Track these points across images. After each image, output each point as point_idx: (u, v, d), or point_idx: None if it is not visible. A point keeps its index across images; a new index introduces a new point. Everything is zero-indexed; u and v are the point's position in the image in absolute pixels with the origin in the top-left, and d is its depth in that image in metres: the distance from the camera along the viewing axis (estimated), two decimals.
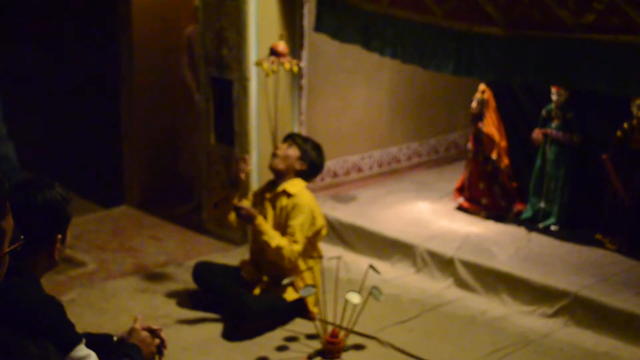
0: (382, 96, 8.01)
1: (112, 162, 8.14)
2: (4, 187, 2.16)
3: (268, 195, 5.68)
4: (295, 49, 6.73)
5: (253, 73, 6.59)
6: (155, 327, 3.05)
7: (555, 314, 5.66)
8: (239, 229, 6.35)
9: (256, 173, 6.76)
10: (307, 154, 5.64)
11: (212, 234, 7.10)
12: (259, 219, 5.45)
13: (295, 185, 5.61)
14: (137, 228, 7.39)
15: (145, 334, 2.99)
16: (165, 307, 5.85)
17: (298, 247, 5.41)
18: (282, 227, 5.53)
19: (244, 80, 6.61)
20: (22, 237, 2.27)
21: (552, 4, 5.20)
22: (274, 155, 5.67)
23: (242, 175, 5.58)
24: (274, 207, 5.62)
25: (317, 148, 5.73)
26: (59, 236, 2.75)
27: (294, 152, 5.63)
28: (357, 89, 7.75)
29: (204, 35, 6.85)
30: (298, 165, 5.63)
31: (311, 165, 5.67)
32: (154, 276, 6.37)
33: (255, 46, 6.55)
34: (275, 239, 5.40)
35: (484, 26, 5.58)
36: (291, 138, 5.76)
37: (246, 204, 5.58)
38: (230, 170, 5.71)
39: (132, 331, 2.99)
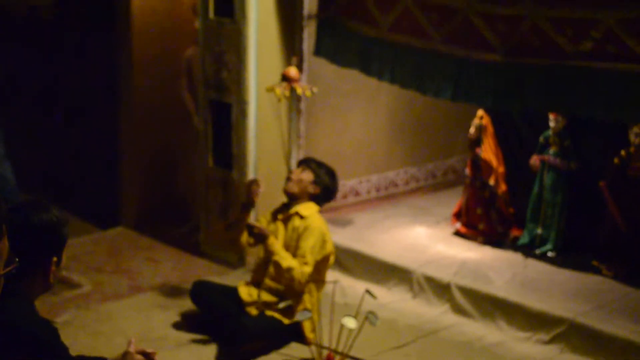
0: (381, 120, 8.03)
1: (108, 183, 8.13)
2: (1, 210, 2.16)
3: (280, 217, 5.71)
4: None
5: (252, 96, 6.60)
6: (149, 350, 3.04)
7: (551, 341, 5.64)
8: (243, 250, 6.38)
9: None
10: (321, 178, 5.69)
11: (208, 256, 7.09)
12: (271, 239, 5.48)
13: (308, 209, 5.64)
14: (133, 250, 7.38)
15: (139, 357, 2.97)
16: (160, 329, 5.83)
17: (308, 269, 5.42)
18: (292, 248, 5.54)
19: (243, 103, 6.62)
20: (17, 259, 2.27)
21: (551, 31, 5.23)
22: (288, 178, 5.72)
23: (256, 198, 5.63)
24: (285, 228, 5.64)
25: (331, 173, 5.78)
26: (55, 258, 2.75)
27: (307, 176, 5.68)
28: (355, 113, 7.76)
29: (203, 58, 6.87)
30: (312, 189, 5.67)
31: (324, 189, 5.71)
32: (150, 298, 6.35)
33: (254, 70, 6.57)
34: (286, 259, 5.41)
35: (482, 52, 5.61)
36: (305, 163, 5.83)
37: (259, 223, 5.61)
38: (245, 193, 5.76)
39: (126, 354, 2.97)
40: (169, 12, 7.73)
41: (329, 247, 5.61)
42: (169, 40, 7.73)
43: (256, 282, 5.73)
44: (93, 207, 8.14)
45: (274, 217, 5.78)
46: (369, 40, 6.33)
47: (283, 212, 5.74)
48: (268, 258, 5.53)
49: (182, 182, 7.81)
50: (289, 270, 5.37)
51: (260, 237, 5.50)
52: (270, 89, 6.28)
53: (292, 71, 6.29)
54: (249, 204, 5.66)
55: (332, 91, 7.41)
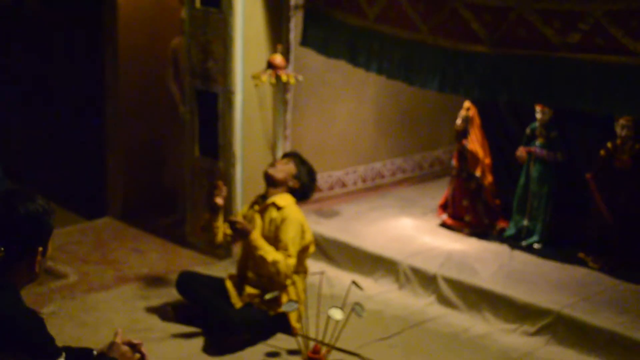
0: (367, 111, 8.02)
1: (95, 173, 8.10)
2: None
3: (257, 207, 5.69)
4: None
5: (239, 86, 6.58)
6: (135, 341, 3.03)
7: (537, 332, 5.66)
8: (226, 247, 6.36)
9: (241, 186, 6.75)
10: (301, 175, 5.69)
11: (195, 247, 7.07)
12: (254, 234, 5.46)
13: (284, 199, 5.63)
14: (119, 240, 7.35)
15: (125, 348, 2.96)
16: (147, 320, 5.82)
17: (293, 261, 5.42)
18: (271, 240, 5.51)
19: (229, 93, 6.60)
20: (2, 248, 2.26)
21: (538, 23, 5.22)
22: (273, 165, 5.71)
23: (219, 200, 5.60)
24: (262, 219, 5.62)
25: (312, 173, 5.79)
26: (40, 248, 2.73)
27: (290, 168, 5.68)
28: (342, 104, 7.76)
29: (189, 47, 6.84)
30: (291, 182, 5.67)
31: (302, 187, 5.71)
32: (136, 289, 6.34)
33: (241, 59, 6.55)
34: (271, 253, 5.39)
35: (469, 44, 5.60)
36: (290, 156, 5.83)
37: (240, 218, 5.59)
38: (208, 196, 5.72)
39: (112, 345, 2.96)
40: (155, 2, 7.70)
41: (309, 237, 5.60)
42: (155, 30, 7.70)
43: (241, 274, 5.72)
44: (79, 197, 8.11)
45: (251, 208, 5.77)
46: (356, 30, 6.32)
47: (259, 203, 5.72)
48: (250, 252, 5.51)
49: (169, 172, 7.79)
50: (275, 263, 5.36)
51: (242, 232, 5.47)
52: (257, 77, 6.29)
53: (278, 59, 6.31)
54: (215, 207, 5.63)
55: (318, 82, 7.40)
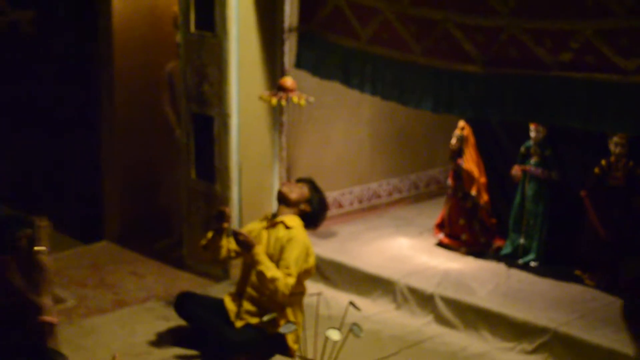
0: (363, 132, 8.05)
1: (91, 197, 8.11)
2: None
3: (265, 224, 5.70)
4: (276, 85, 6.76)
5: (234, 109, 6.62)
6: None
7: (535, 350, 5.67)
8: (226, 264, 6.38)
9: (237, 208, 6.76)
10: (313, 201, 5.74)
11: (192, 269, 7.08)
12: (258, 248, 5.46)
13: (294, 220, 5.66)
14: (116, 264, 7.36)
15: None
16: (144, 344, 5.81)
17: (292, 280, 5.41)
18: (275, 257, 5.52)
19: (225, 116, 6.63)
20: None
21: (530, 43, 5.27)
22: (287, 184, 5.81)
23: (226, 225, 5.63)
24: (269, 235, 5.63)
25: (323, 203, 5.85)
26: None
27: (304, 192, 5.75)
28: (337, 125, 7.79)
29: (185, 71, 6.87)
30: (303, 206, 5.72)
31: (311, 213, 5.76)
32: (134, 312, 6.34)
33: (236, 83, 6.58)
34: (271, 269, 5.39)
35: (462, 64, 5.64)
36: (306, 181, 5.89)
37: (245, 231, 5.62)
38: (215, 220, 5.73)
39: None
40: (150, 26, 7.74)
41: (312, 261, 5.62)
42: (151, 53, 7.74)
43: (240, 293, 5.73)
44: (76, 221, 8.12)
45: (259, 225, 5.79)
46: (350, 52, 6.36)
47: (269, 219, 5.74)
48: (251, 267, 5.52)
49: (165, 196, 7.80)
50: (273, 280, 5.36)
51: (245, 245, 5.47)
52: (266, 99, 6.35)
53: (289, 81, 6.40)
54: (221, 230, 5.66)
55: (314, 103, 7.39)
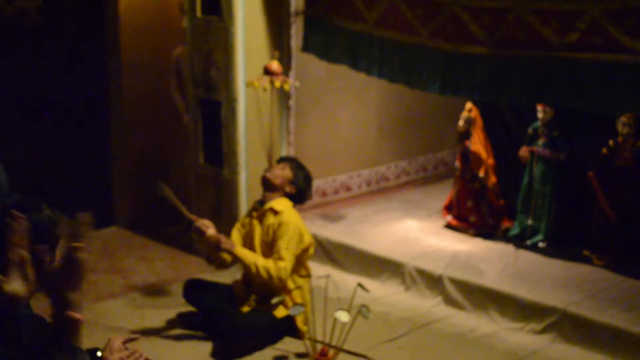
0: (371, 115, 8.06)
1: (101, 183, 8.14)
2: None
3: (255, 214, 5.72)
4: (284, 69, 6.77)
5: (241, 94, 6.63)
6: (133, 336, 3.08)
7: (543, 331, 5.69)
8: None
9: (245, 193, 6.79)
10: (298, 180, 5.72)
11: (202, 254, 7.10)
12: (238, 248, 5.49)
13: (281, 204, 5.66)
14: (126, 249, 7.40)
15: (119, 343, 3.00)
16: (155, 327, 5.85)
17: (284, 263, 5.41)
18: (269, 245, 5.55)
19: (232, 101, 6.65)
20: None
21: (536, 24, 5.26)
22: (269, 169, 5.74)
23: (222, 244, 5.52)
24: (261, 224, 5.65)
25: (308, 178, 5.81)
26: (48, 258, 2.77)
27: (287, 173, 5.70)
28: (345, 109, 7.79)
29: (192, 57, 6.89)
30: (288, 188, 5.70)
31: (298, 192, 5.75)
32: (144, 296, 6.38)
33: (243, 67, 6.59)
34: (258, 261, 5.42)
35: (469, 46, 5.64)
36: (287, 160, 5.85)
37: (236, 228, 5.63)
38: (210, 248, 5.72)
39: (108, 342, 3.01)
40: (157, 12, 7.75)
41: (307, 239, 5.62)
42: (158, 39, 7.75)
43: (247, 280, 5.75)
44: (86, 207, 8.12)
45: (249, 215, 5.81)
46: (356, 35, 6.36)
47: (257, 209, 5.76)
48: (242, 264, 5.55)
49: (174, 181, 7.82)
50: (266, 268, 5.39)
51: (226, 247, 5.47)
52: (250, 84, 6.34)
53: (274, 65, 6.34)
54: (218, 249, 5.56)
55: (321, 87, 7.44)
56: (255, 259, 5.44)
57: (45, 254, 2.74)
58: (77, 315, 2.72)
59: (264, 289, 5.54)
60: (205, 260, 5.93)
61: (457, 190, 7.19)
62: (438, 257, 6.57)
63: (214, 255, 5.64)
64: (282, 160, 5.92)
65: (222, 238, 5.49)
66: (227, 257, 5.65)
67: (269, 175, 5.70)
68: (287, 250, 5.46)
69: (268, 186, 5.69)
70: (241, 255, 5.47)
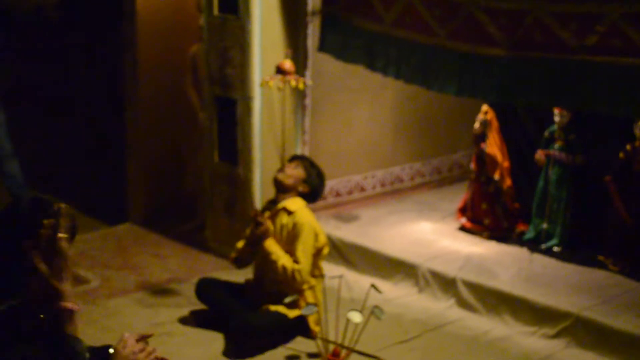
0: (386, 116, 8.04)
1: (116, 180, 8.17)
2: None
3: (268, 213, 5.71)
4: (299, 69, 6.76)
5: (257, 92, 6.62)
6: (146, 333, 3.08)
7: (557, 335, 5.66)
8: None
9: (260, 191, 6.78)
10: (311, 178, 5.72)
11: (215, 252, 7.12)
12: (271, 239, 5.52)
13: (295, 203, 5.65)
14: (140, 246, 7.41)
15: (132, 341, 3.00)
16: (167, 325, 5.85)
17: (299, 266, 5.44)
18: (283, 244, 5.56)
19: (247, 99, 6.64)
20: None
21: (555, 26, 5.23)
22: (282, 170, 5.72)
23: (263, 230, 5.57)
24: (274, 224, 5.64)
25: (321, 176, 5.81)
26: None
27: (299, 173, 5.69)
28: (360, 109, 7.78)
29: (208, 54, 6.89)
30: (301, 187, 5.69)
31: (312, 190, 5.75)
32: (157, 294, 6.38)
33: (259, 65, 6.59)
34: (282, 259, 5.45)
35: (486, 47, 5.61)
36: (299, 159, 5.83)
37: (268, 221, 5.60)
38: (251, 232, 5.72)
39: (121, 339, 3.01)
40: (174, 10, 7.76)
41: (322, 239, 5.62)
42: (174, 37, 7.76)
43: (259, 277, 5.75)
44: (101, 203, 8.17)
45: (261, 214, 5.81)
46: (373, 35, 6.34)
47: (270, 209, 5.75)
48: (265, 256, 5.55)
49: (189, 179, 7.84)
50: (285, 270, 5.41)
51: (263, 235, 5.51)
52: (264, 83, 6.33)
53: (287, 64, 6.31)
54: (256, 239, 5.59)
55: (337, 87, 7.43)
56: (280, 255, 5.47)
57: (30, 249, 2.75)
58: (69, 305, 2.73)
59: (276, 289, 5.54)
60: (231, 261, 5.92)
61: (472, 193, 7.16)
62: (452, 259, 6.54)
63: (247, 251, 5.66)
64: (294, 159, 5.91)
65: (267, 222, 5.53)
66: (253, 258, 5.68)
67: (281, 176, 5.69)
68: (304, 252, 5.47)
69: (280, 187, 5.68)
70: (270, 248, 5.49)
